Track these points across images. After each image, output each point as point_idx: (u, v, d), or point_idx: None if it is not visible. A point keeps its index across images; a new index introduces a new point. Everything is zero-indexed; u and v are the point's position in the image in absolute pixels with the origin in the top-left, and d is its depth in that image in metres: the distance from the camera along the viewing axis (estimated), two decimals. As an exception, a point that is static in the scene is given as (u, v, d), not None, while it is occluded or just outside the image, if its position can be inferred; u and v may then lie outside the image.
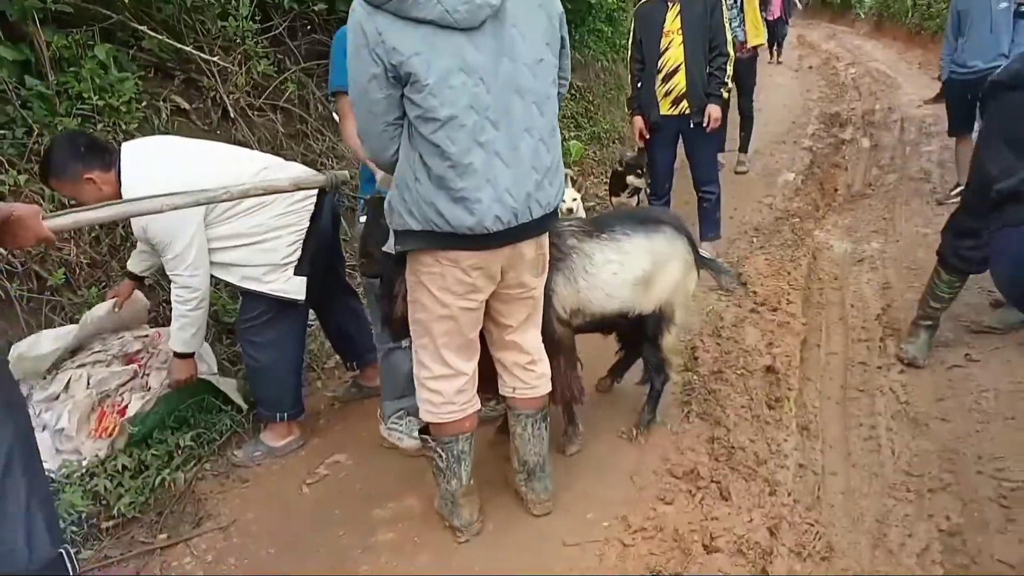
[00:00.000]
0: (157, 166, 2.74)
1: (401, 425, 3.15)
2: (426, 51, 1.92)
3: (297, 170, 3.08)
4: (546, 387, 2.57)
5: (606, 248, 2.74)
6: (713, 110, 4.50)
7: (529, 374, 2.52)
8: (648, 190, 5.30)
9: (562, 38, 2.18)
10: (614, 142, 8.29)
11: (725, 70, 4.50)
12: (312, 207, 2.97)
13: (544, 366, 2.56)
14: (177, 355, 2.98)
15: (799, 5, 13.32)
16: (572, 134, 7.64)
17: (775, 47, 14.00)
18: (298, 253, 2.94)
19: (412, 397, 3.13)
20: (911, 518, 2.57)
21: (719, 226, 4.98)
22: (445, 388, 2.37)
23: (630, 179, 5.47)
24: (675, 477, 2.75)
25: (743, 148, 7.37)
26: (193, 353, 3.02)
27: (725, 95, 4.63)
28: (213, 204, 2.66)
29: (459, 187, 2.02)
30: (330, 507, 2.84)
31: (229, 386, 3.31)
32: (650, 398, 3.08)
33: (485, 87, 1.98)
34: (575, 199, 4.89)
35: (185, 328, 2.89)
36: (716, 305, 4.18)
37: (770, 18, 10.44)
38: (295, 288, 2.95)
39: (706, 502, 2.61)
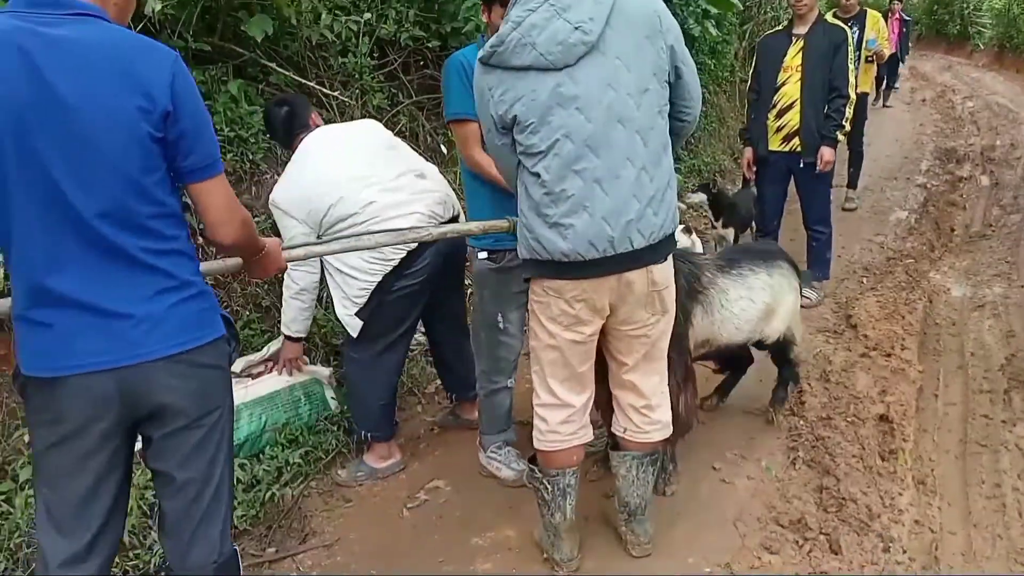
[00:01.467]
0: (302, 166, 3.01)
1: (500, 455, 3.18)
2: (527, 95, 2.04)
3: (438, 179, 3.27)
4: (660, 434, 2.49)
5: (738, 284, 2.94)
6: (826, 152, 4.40)
7: (643, 419, 2.46)
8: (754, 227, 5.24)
9: (677, 68, 2.16)
10: (715, 175, 8.18)
11: (843, 112, 4.40)
12: (397, 261, 2.92)
13: (662, 413, 2.47)
14: (287, 337, 3.20)
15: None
16: (673, 166, 7.58)
17: (884, 88, 12.16)
18: (364, 298, 2.98)
19: (510, 431, 3.20)
20: (1041, 587, 2.41)
21: (828, 266, 4.84)
22: (551, 417, 2.39)
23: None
24: (781, 526, 2.67)
25: (852, 184, 7.14)
26: (300, 339, 3.23)
27: (841, 138, 4.52)
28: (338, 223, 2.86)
29: (553, 213, 2.09)
30: (429, 532, 2.89)
31: (323, 376, 3.46)
32: (782, 381, 3.37)
33: (584, 117, 2.02)
34: (693, 240, 4.80)
35: (286, 311, 3.12)
36: (824, 348, 4.04)
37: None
38: (353, 325, 3.04)
39: (814, 554, 2.51)
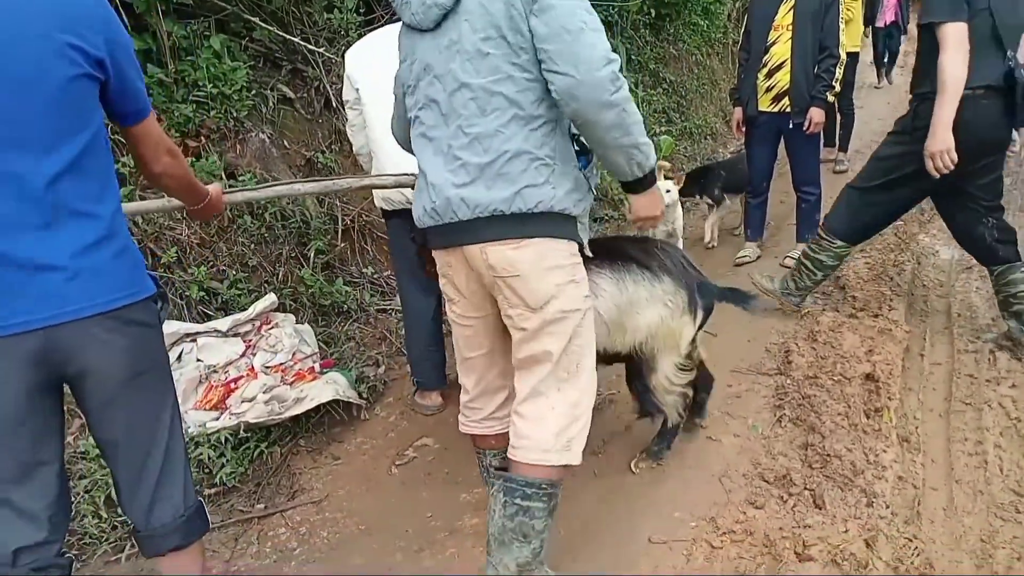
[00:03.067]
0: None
1: None
2: (408, 55, 2.03)
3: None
4: (525, 455, 2.02)
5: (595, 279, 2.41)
6: (816, 113, 4.36)
7: (512, 426, 2.09)
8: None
9: (531, 24, 1.79)
10: (706, 138, 8.14)
11: (833, 73, 4.35)
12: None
13: (530, 429, 2.02)
14: None
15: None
16: (663, 128, 7.55)
17: (884, 62, 11.02)
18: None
19: None
20: (1020, 541, 2.44)
21: (817, 228, 4.83)
22: (461, 396, 2.34)
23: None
24: (766, 482, 2.69)
25: (843, 147, 7.12)
26: None
27: (831, 99, 4.48)
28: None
29: (417, 182, 2.09)
30: (418, 489, 2.91)
31: (345, 386, 3.37)
32: (661, 430, 2.87)
33: (440, 84, 1.92)
34: (668, 191, 4.74)
35: None
36: (812, 308, 4.05)
37: (880, 24, 9.79)
38: None
39: (798, 509, 2.54)
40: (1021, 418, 3.04)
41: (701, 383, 2.92)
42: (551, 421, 2.00)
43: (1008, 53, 3.14)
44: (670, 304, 2.54)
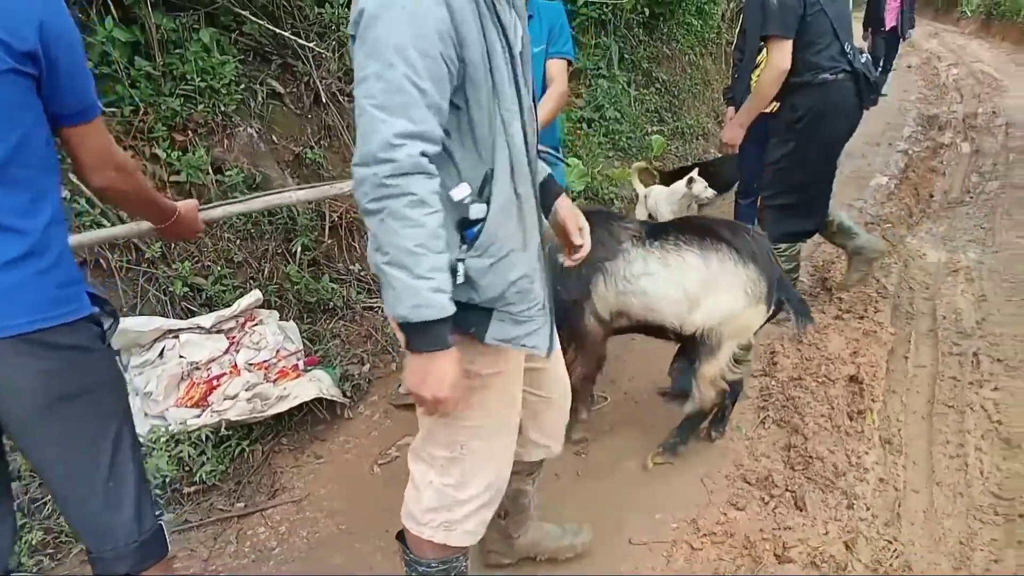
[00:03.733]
0: None
1: None
2: None
3: None
4: (406, 520, 1.91)
5: (651, 257, 2.57)
6: None
7: None
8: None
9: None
10: (697, 138, 8.13)
11: None
12: None
13: (409, 492, 1.90)
14: None
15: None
16: (655, 128, 7.53)
17: (880, 71, 9.72)
18: None
19: None
20: (999, 543, 2.46)
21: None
22: None
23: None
24: (748, 483, 2.70)
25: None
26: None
27: None
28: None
29: None
30: (399, 489, 2.85)
31: (328, 384, 3.34)
32: (680, 424, 2.87)
33: None
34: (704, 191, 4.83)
35: None
36: (798, 310, 4.06)
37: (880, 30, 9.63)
38: None
39: (779, 511, 2.54)
40: (1002, 421, 3.06)
41: (733, 389, 2.85)
42: (427, 497, 1.80)
43: (845, 43, 3.52)
44: (750, 291, 2.54)
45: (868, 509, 2.58)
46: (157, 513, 1.75)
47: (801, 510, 2.54)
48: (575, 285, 2.59)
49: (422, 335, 1.41)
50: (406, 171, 1.34)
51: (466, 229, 1.49)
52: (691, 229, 2.61)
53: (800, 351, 3.55)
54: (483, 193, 1.50)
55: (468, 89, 1.45)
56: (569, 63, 2.91)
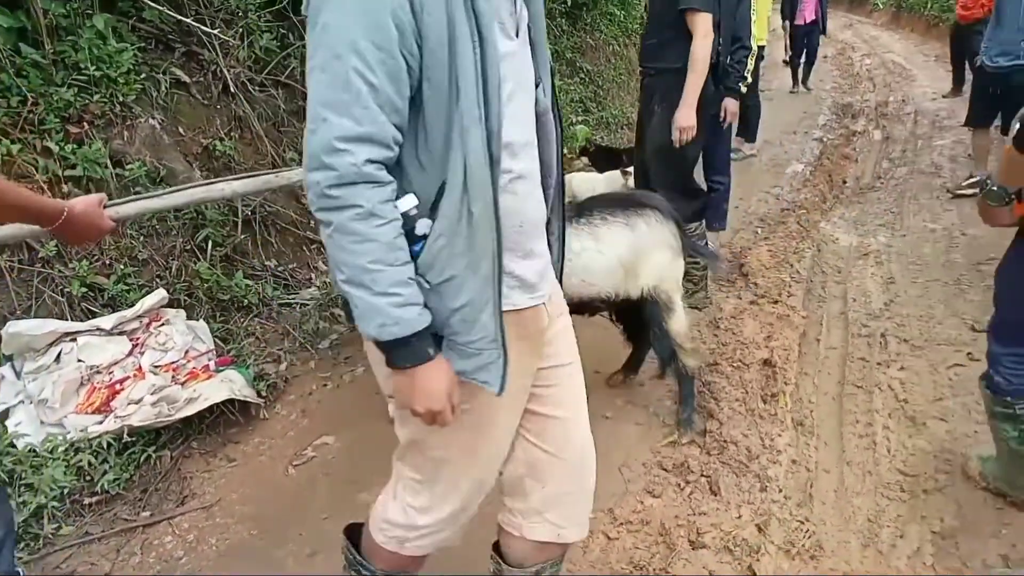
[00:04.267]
0: None
1: None
2: None
3: None
4: (370, 519, 1.81)
5: (583, 234, 2.69)
6: (730, 103, 4.41)
7: None
8: None
9: None
10: (622, 128, 8.21)
11: (745, 64, 4.41)
12: None
13: (378, 501, 1.78)
14: None
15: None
16: (580, 118, 7.56)
17: (801, 63, 10.62)
18: None
19: None
20: (904, 519, 2.53)
21: (726, 217, 4.91)
22: None
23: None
24: (665, 470, 2.72)
25: (751, 138, 7.28)
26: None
27: (743, 89, 4.55)
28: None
29: None
30: (315, 490, 2.82)
31: (242, 384, 3.22)
32: (680, 394, 3.00)
33: None
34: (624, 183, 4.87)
35: None
36: (716, 296, 4.12)
37: (800, 23, 9.87)
38: None
39: (695, 496, 2.57)
40: (908, 400, 3.16)
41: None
42: (392, 509, 1.69)
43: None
44: (674, 246, 2.83)
45: (781, 491, 2.62)
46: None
47: (716, 495, 2.57)
48: None
49: (399, 351, 1.31)
50: (349, 180, 1.20)
51: (411, 244, 1.32)
52: (610, 202, 2.84)
53: (717, 336, 3.61)
54: (435, 208, 1.33)
55: (425, 88, 1.27)
56: None
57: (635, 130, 4.16)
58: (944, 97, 9.32)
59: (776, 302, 3.92)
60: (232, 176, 2.24)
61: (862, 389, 3.29)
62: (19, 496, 2.60)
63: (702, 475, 2.66)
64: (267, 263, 4.22)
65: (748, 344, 3.48)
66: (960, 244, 4.72)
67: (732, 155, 7.00)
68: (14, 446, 2.76)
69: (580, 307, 2.83)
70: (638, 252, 2.75)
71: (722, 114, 4.46)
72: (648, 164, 3.98)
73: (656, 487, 2.61)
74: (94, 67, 3.56)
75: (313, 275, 4.40)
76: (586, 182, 5.03)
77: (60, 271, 3.28)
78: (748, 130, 7.23)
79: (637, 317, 2.96)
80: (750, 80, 4.62)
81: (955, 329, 3.64)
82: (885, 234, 5.11)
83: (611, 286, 2.75)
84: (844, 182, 6.50)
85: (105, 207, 1.82)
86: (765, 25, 6.90)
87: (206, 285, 3.75)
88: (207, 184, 2.19)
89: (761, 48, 6.81)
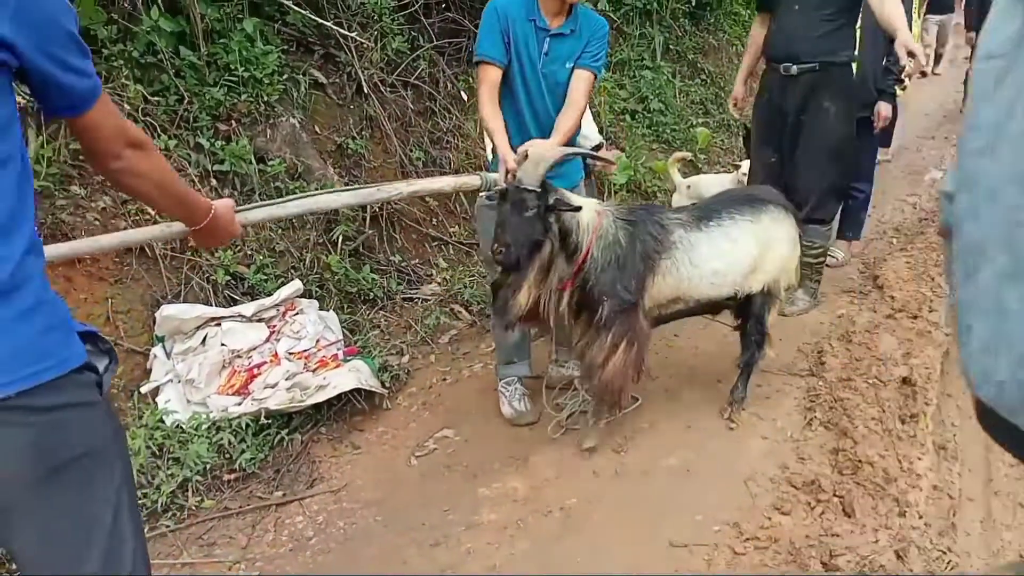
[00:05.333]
0: None
1: (507, 390, 3.22)
2: None
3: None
4: None
5: (715, 236, 2.76)
6: (883, 108, 4.20)
7: None
8: None
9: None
10: (744, 129, 7.95)
11: (902, 66, 4.18)
12: None
13: None
14: None
15: None
16: (700, 120, 7.38)
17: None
18: None
19: (521, 366, 3.20)
20: (1061, 558, 2.34)
21: (862, 227, 4.69)
22: None
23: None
24: (794, 487, 2.61)
25: (885, 142, 6.90)
26: None
27: (900, 92, 4.31)
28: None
29: None
30: (437, 482, 2.88)
31: (367, 375, 3.33)
32: (743, 375, 3.10)
33: None
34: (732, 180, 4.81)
35: None
36: (848, 309, 3.93)
37: None
38: None
39: (827, 516, 2.45)
40: (1066, 429, 2.91)
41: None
42: None
43: None
44: (794, 238, 2.98)
45: (921, 517, 2.47)
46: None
47: (849, 516, 2.44)
48: (632, 286, 2.63)
49: None
50: None
51: None
52: (734, 201, 2.91)
53: (849, 351, 3.43)
54: None
55: None
56: (595, 77, 2.83)
57: (761, 130, 3.95)
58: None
59: (916, 317, 3.69)
60: (342, 188, 2.31)
61: (1012, 415, 3.05)
62: (167, 469, 2.78)
63: (834, 495, 2.54)
64: (392, 258, 4.35)
65: (885, 360, 3.29)
66: None
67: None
68: (163, 421, 2.96)
69: (711, 307, 3.00)
70: (765, 247, 2.84)
71: (874, 118, 4.25)
72: (795, 165, 3.78)
73: (785, 504, 2.51)
74: (243, 68, 3.78)
75: (434, 271, 4.49)
76: (714, 182, 4.89)
77: (207, 259, 3.50)
78: (882, 134, 6.85)
79: (744, 312, 3.03)
80: (907, 82, 4.35)
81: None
82: (1038, 248, 4.72)
83: (740, 284, 2.83)
84: (990, 191, 6.04)
85: (236, 212, 1.85)
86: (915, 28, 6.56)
87: (336, 277, 3.91)
88: (319, 194, 2.26)
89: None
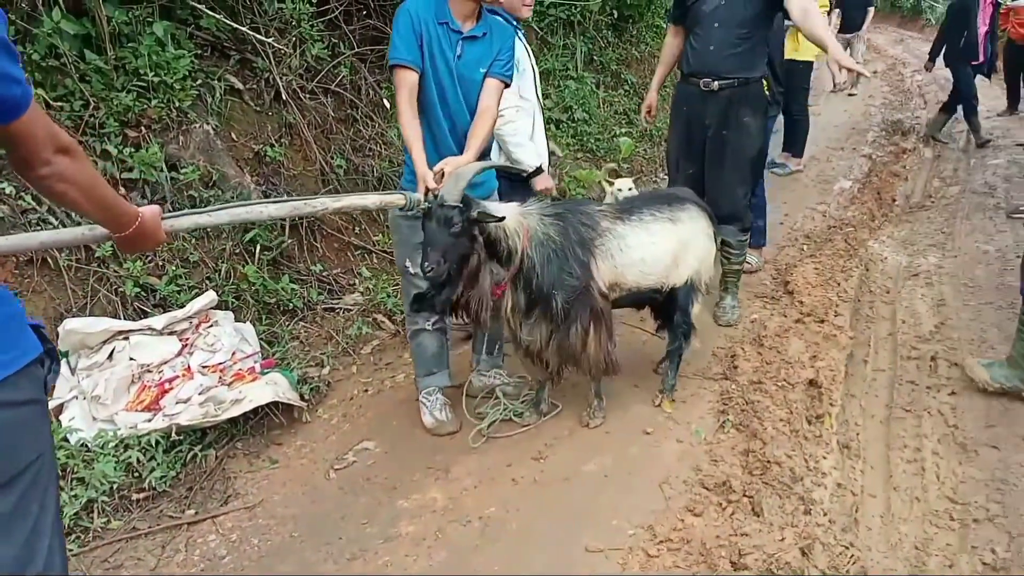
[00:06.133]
0: None
1: (428, 400, 3.22)
2: None
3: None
4: None
5: (638, 230, 2.91)
6: None
7: None
8: None
9: None
10: (665, 140, 8.14)
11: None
12: None
13: None
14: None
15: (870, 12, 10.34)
16: (623, 130, 7.53)
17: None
18: None
19: (441, 375, 3.20)
20: (953, 548, 2.46)
21: (764, 233, 4.89)
22: None
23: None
24: (706, 489, 2.68)
25: (797, 152, 7.18)
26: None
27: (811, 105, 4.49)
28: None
29: None
30: (355, 494, 2.84)
31: (286, 387, 3.27)
32: (672, 365, 3.29)
33: None
34: (631, 188, 4.86)
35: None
36: (760, 313, 4.07)
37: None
38: None
39: (737, 517, 2.53)
40: (959, 425, 3.08)
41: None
42: None
43: None
44: (710, 234, 3.18)
45: (825, 514, 2.57)
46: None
47: (758, 516, 2.52)
48: (577, 272, 2.72)
49: None
50: None
51: None
52: (652, 200, 3.12)
53: (760, 354, 3.55)
54: None
55: None
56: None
57: (681, 143, 4.03)
58: (999, 116, 9.09)
59: (822, 321, 3.84)
60: (269, 200, 2.26)
61: (911, 413, 3.22)
62: (71, 489, 2.67)
63: (744, 495, 2.62)
64: (313, 268, 4.29)
65: (793, 363, 3.42)
66: (1015, 266, 4.58)
67: (778, 170, 6.97)
68: (67, 440, 2.84)
69: (638, 300, 3.16)
70: (684, 243, 3.01)
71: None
72: (718, 177, 3.85)
73: (697, 506, 2.58)
74: (152, 73, 3.67)
75: (356, 281, 4.45)
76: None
77: (115, 271, 3.38)
78: (795, 145, 7.14)
79: (669, 306, 3.19)
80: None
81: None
82: (936, 254, 4.99)
83: (663, 275, 2.99)
84: (893, 200, 6.36)
85: (163, 219, 1.81)
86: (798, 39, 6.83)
87: (253, 288, 3.82)
88: (249, 204, 2.19)
89: (808, 64, 6.73)
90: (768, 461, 2.77)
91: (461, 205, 2.42)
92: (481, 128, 2.71)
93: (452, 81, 2.73)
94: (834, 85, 3.46)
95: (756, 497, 2.59)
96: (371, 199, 2.55)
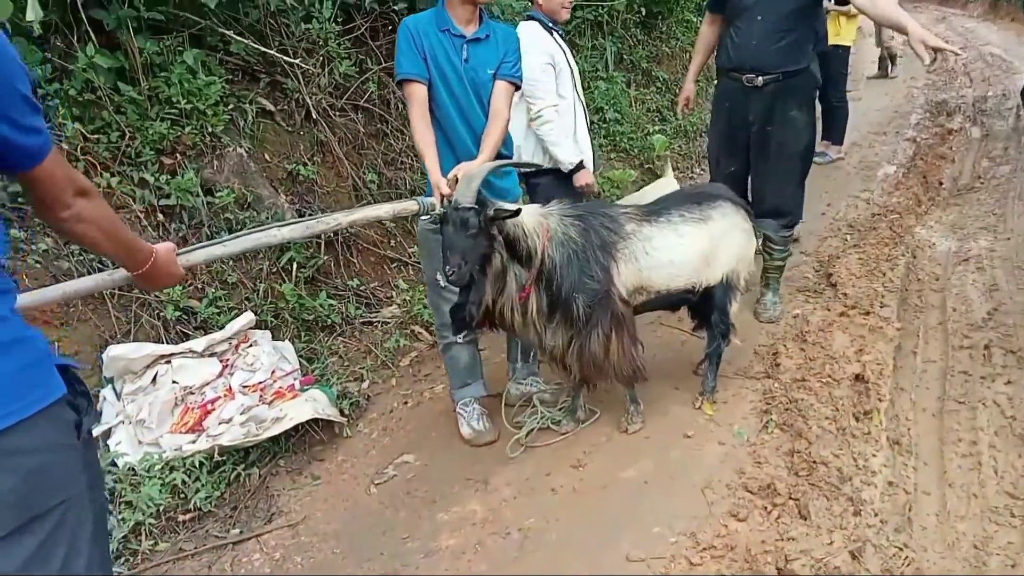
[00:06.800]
0: None
1: (465, 411, 3.22)
2: None
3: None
4: None
5: (666, 231, 2.84)
6: None
7: None
8: None
9: None
10: (700, 135, 8.03)
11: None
12: None
13: None
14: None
15: None
16: (656, 128, 7.45)
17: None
18: None
19: (476, 386, 3.20)
20: (1015, 546, 2.36)
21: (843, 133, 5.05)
22: None
23: None
24: (750, 492, 2.61)
25: (837, 140, 7.01)
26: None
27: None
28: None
29: None
30: (396, 509, 2.85)
31: (325, 404, 3.29)
32: (711, 366, 3.21)
33: None
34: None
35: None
36: (803, 308, 3.97)
37: None
38: None
39: (783, 520, 2.46)
40: (1016, 417, 2.95)
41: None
42: None
43: None
44: (747, 228, 3.08)
45: (876, 515, 2.48)
46: None
47: (805, 519, 2.45)
48: (598, 275, 2.68)
49: None
50: None
51: None
52: (683, 199, 3.03)
53: (804, 351, 3.46)
54: None
55: None
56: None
57: (723, 141, 3.89)
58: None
59: (868, 313, 3.73)
60: (282, 223, 2.28)
61: (965, 405, 3.10)
62: (119, 513, 2.73)
63: (790, 498, 2.55)
64: (349, 283, 4.33)
65: (838, 358, 3.32)
66: (1072, 247, 4.40)
67: (818, 159, 6.80)
68: (115, 465, 2.90)
69: (669, 302, 3.13)
70: (716, 241, 2.92)
71: None
72: (764, 172, 3.75)
73: (741, 510, 2.51)
74: (185, 100, 3.75)
75: (393, 293, 4.47)
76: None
77: (156, 296, 3.45)
78: (835, 132, 6.96)
79: (705, 306, 3.13)
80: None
81: (1069, 340, 3.39)
82: (987, 237, 4.81)
83: (693, 275, 2.92)
84: (940, 184, 6.15)
85: (177, 255, 1.86)
86: (854, 26, 6.66)
87: (291, 306, 3.87)
88: (263, 229, 2.22)
89: (847, 49, 6.57)
90: (814, 461, 2.70)
91: (476, 206, 2.42)
92: (494, 131, 2.72)
93: (463, 85, 2.75)
94: (924, 64, 3.42)
95: (802, 499, 2.52)
96: (384, 209, 2.57)
